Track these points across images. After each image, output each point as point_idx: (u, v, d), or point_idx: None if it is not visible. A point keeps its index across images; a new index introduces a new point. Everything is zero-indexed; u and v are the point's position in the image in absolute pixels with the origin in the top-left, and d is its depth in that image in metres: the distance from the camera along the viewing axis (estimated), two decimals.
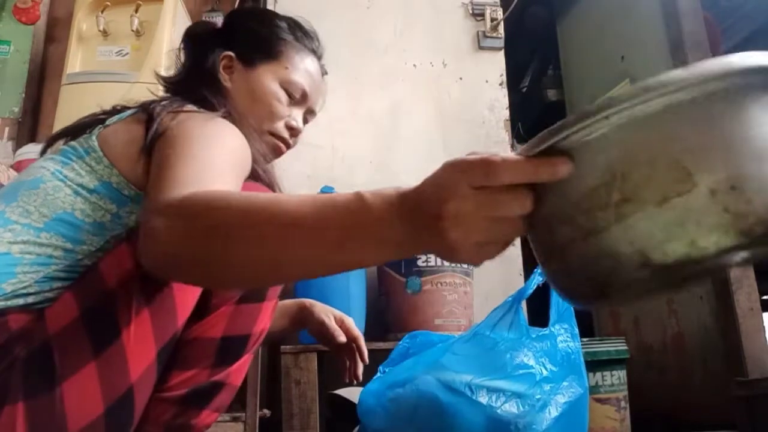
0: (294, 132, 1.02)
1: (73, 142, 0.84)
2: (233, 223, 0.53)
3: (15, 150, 2.08)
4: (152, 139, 0.76)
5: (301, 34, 1.04)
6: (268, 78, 0.99)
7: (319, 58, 1.07)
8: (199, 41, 1.03)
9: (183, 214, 0.56)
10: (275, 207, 0.52)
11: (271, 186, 0.87)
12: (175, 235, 0.55)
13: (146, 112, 0.81)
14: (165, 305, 0.75)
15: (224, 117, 0.84)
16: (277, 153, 1.02)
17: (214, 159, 0.69)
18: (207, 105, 0.89)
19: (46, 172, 0.79)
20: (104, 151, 0.80)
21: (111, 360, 0.71)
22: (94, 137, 0.82)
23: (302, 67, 1.02)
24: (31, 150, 1.98)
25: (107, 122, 0.85)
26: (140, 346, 0.73)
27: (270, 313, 0.87)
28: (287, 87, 1.00)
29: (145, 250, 0.58)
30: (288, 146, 1.03)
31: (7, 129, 2.17)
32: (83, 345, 0.70)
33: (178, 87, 0.99)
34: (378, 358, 1.29)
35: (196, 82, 0.96)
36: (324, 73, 1.09)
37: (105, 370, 0.71)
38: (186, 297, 0.77)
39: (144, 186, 0.77)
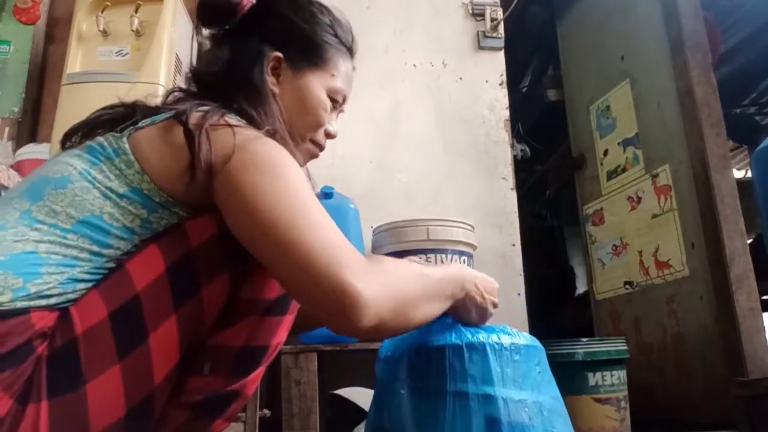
0: (330, 137, 1.01)
1: (101, 139, 0.80)
2: (418, 297, 0.78)
3: (15, 150, 2.08)
4: (207, 164, 0.74)
5: (342, 32, 1.01)
6: (316, 86, 0.96)
7: (353, 56, 1.04)
8: (235, 30, 0.95)
9: (387, 295, 0.72)
10: (431, 281, 0.83)
11: None
12: (384, 309, 0.71)
13: (181, 122, 0.77)
14: (192, 310, 0.75)
15: (269, 134, 0.81)
16: (312, 158, 1.01)
17: (309, 198, 0.75)
18: (246, 115, 0.86)
19: (73, 171, 0.77)
20: (135, 155, 0.77)
21: (136, 363, 0.71)
22: (125, 139, 0.78)
23: (344, 72, 1.00)
24: (32, 150, 1.98)
25: (140, 124, 0.81)
26: (165, 350, 0.73)
27: (288, 327, 0.86)
28: (332, 95, 0.98)
29: (354, 320, 0.68)
30: (322, 150, 1.02)
31: (7, 129, 2.17)
32: (110, 347, 0.70)
33: (214, 88, 0.90)
34: None
35: (237, 84, 0.90)
36: (354, 68, 1.06)
37: (130, 372, 0.71)
38: (213, 303, 0.77)
39: (181, 198, 0.76)
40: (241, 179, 0.73)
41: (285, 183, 0.74)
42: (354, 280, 0.68)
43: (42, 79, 2.33)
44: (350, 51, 1.03)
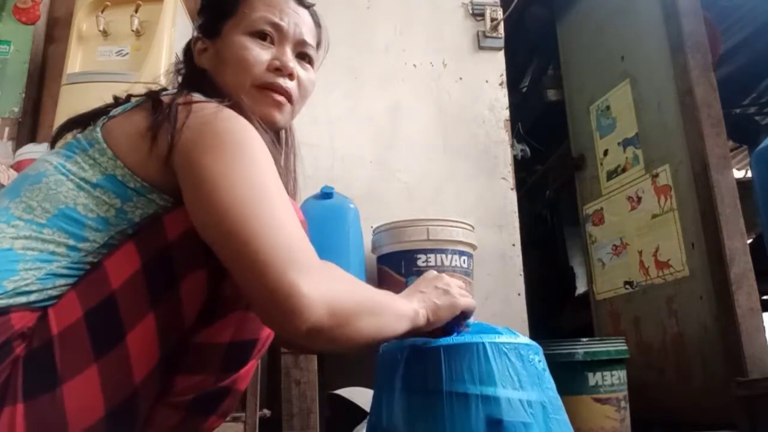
0: (282, 71, 0.90)
1: (78, 135, 0.81)
2: (365, 309, 0.74)
3: (15, 150, 2.08)
4: (171, 134, 0.73)
5: None
6: (234, 35, 0.90)
7: None
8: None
9: (330, 300, 0.68)
10: (389, 302, 0.80)
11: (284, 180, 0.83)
12: (325, 315, 0.67)
13: (151, 99, 0.79)
14: (171, 308, 0.74)
15: (230, 107, 0.79)
16: (277, 108, 0.91)
17: (271, 186, 0.73)
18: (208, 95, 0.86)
19: (49, 167, 0.77)
20: (108, 143, 0.76)
21: (114, 362, 0.70)
22: (98, 129, 0.79)
23: (259, 2, 0.92)
24: (31, 150, 1.98)
25: (112, 113, 0.82)
26: (144, 348, 0.72)
27: None
28: (251, 30, 0.90)
29: (294, 324, 0.66)
30: (284, 93, 0.91)
31: (7, 129, 2.17)
32: (86, 346, 0.69)
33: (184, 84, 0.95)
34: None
35: (190, 80, 0.94)
36: (302, 5, 0.97)
37: (107, 372, 0.69)
38: (193, 300, 0.76)
39: (157, 183, 0.75)
40: (199, 160, 0.72)
41: (245, 166, 0.72)
42: (300, 282, 0.65)
43: (42, 79, 2.33)
44: None
